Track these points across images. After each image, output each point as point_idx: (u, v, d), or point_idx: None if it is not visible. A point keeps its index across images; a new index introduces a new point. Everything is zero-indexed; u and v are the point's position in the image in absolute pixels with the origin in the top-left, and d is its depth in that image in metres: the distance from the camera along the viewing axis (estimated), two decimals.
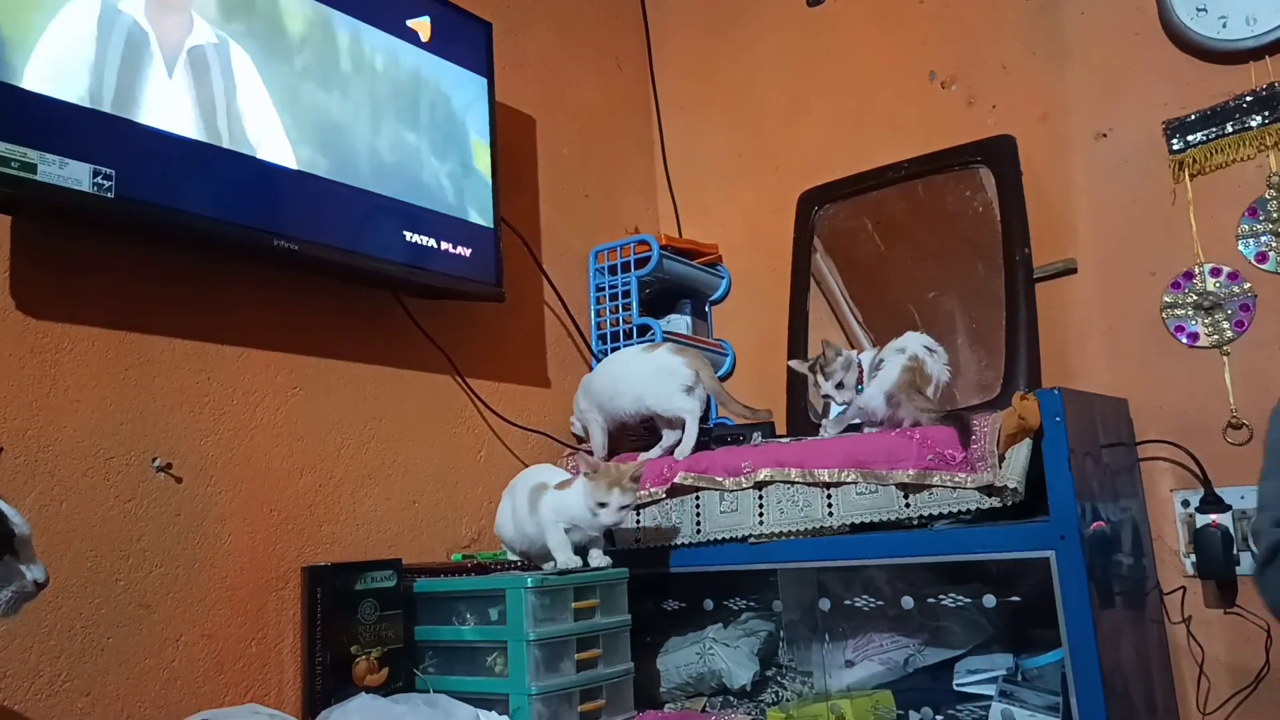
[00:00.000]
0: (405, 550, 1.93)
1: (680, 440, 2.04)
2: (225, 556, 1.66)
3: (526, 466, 2.23)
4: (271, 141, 1.69)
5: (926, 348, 1.91)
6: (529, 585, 1.66)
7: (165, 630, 1.56)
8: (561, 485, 1.78)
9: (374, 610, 1.72)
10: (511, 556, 1.92)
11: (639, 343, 2.35)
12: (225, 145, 1.62)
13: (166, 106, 1.54)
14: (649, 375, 2.06)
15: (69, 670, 1.43)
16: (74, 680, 1.43)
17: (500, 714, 1.63)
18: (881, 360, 1.95)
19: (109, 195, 1.44)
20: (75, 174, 1.41)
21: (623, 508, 1.71)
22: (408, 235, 1.90)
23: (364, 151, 1.85)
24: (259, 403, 1.76)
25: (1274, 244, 2.00)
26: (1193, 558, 1.99)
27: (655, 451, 2.07)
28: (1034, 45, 2.33)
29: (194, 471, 1.63)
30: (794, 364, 2.10)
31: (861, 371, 1.96)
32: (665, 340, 2.17)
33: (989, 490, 1.66)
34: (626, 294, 2.50)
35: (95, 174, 1.43)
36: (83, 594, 1.46)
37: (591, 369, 2.48)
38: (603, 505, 1.70)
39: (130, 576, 1.52)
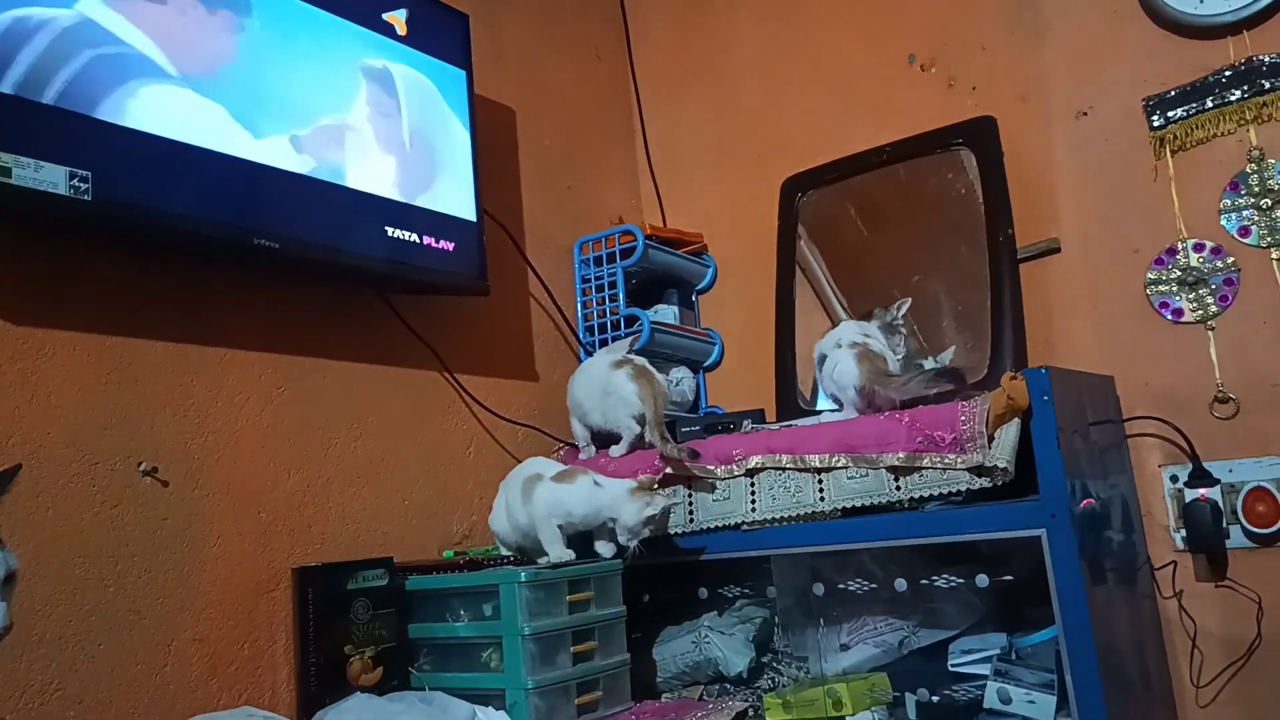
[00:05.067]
0: (396, 548, 1.92)
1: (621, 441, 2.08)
2: (215, 560, 1.64)
3: (517, 461, 2.24)
4: (253, 140, 1.67)
5: (863, 334, 1.96)
6: (522, 580, 1.66)
7: (156, 635, 1.54)
8: (560, 478, 1.78)
9: (367, 609, 1.71)
10: (505, 552, 1.92)
11: (613, 348, 2.28)
12: (204, 145, 1.60)
13: (145, 106, 1.52)
14: (604, 396, 2.07)
15: (60, 679, 1.42)
16: (65, 689, 1.42)
17: (497, 709, 1.62)
18: (824, 356, 1.98)
19: (86, 198, 1.42)
20: (51, 177, 1.39)
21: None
22: (389, 230, 1.89)
23: (343, 147, 1.83)
24: (244, 404, 1.74)
25: (1256, 218, 2.01)
26: (1182, 532, 2.00)
27: (622, 448, 2.07)
28: (1012, 25, 2.33)
29: (180, 475, 1.62)
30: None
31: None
32: (631, 358, 2.09)
33: (979, 471, 1.66)
34: (613, 285, 2.49)
35: (71, 176, 1.41)
36: (72, 601, 1.45)
37: (580, 360, 2.48)
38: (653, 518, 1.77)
39: (119, 582, 1.51)
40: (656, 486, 1.80)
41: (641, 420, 2.01)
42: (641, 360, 2.08)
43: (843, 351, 1.94)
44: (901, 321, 2.03)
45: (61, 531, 1.45)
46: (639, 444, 2.05)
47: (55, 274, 1.52)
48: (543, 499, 1.77)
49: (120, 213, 1.48)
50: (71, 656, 1.44)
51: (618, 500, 1.78)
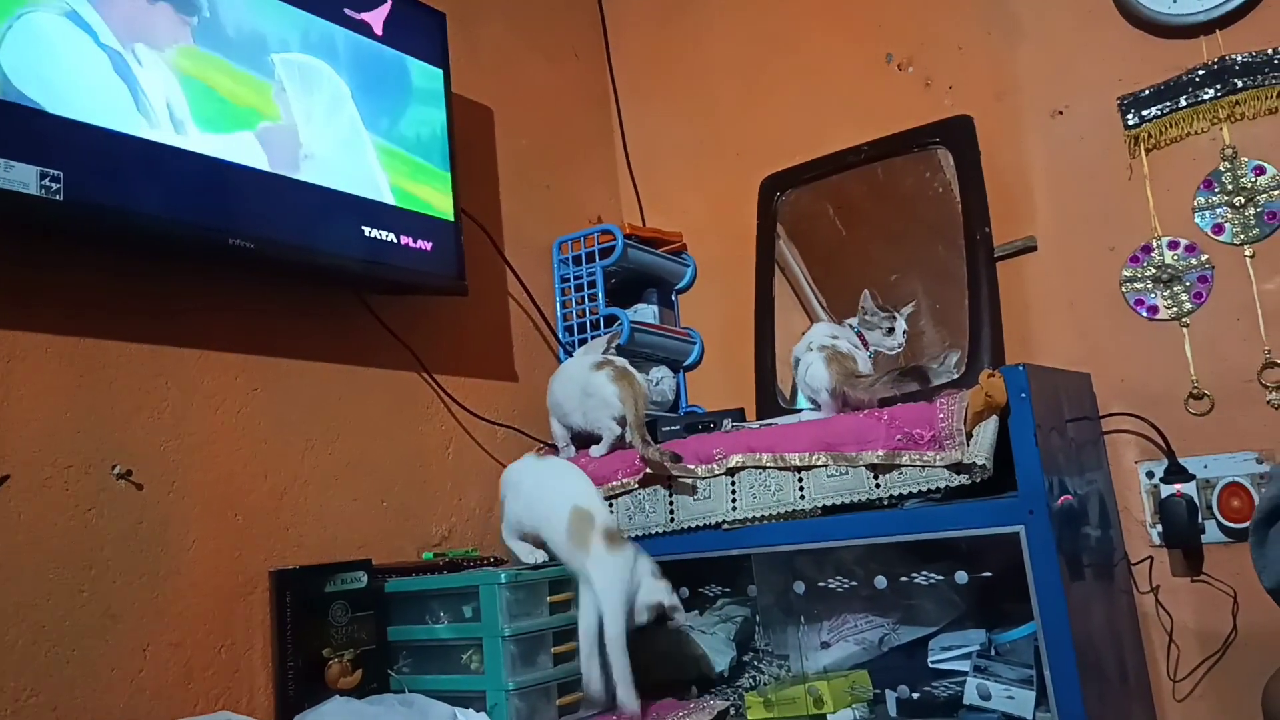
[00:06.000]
0: (375, 550, 1.91)
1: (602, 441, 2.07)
2: (191, 563, 1.63)
3: (496, 462, 2.23)
4: (227, 139, 1.66)
5: (831, 336, 1.97)
6: (502, 581, 1.65)
7: (132, 640, 1.52)
8: (612, 542, 1.74)
9: (345, 612, 1.70)
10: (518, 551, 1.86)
11: (591, 346, 2.26)
12: (175, 144, 1.58)
13: (111, 104, 1.50)
14: (584, 397, 2.06)
15: (33, 685, 1.40)
16: (39, 695, 1.40)
17: (478, 711, 1.61)
18: (799, 360, 2.00)
19: (58, 198, 1.41)
20: (21, 177, 1.37)
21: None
22: (366, 230, 1.88)
23: (319, 146, 1.82)
24: (220, 406, 1.73)
25: (1230, 215, 2.03)
26: (1159, 528, 2.02)
27: (602, 448, 2.07)
28: (988, 24, 2.35)
29: (155, 478, 1.60)
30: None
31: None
32: (611, 359, 2.09)
33: (958, 468, 1.67)
34: (592, 284, 2.48)
35: (43, 176, 1.39)
36: (45, 606, 1.43)
37: (560, 360, 2.47)
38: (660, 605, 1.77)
39: (94, 587, 1.49)
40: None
41: (622, 422, 2.00)
42: (622, 361, 2.08)
43: (813, 355, 1.95)
44: (880, 314, 2.04)
45: (34, 536, 1.43)
46: (619, 444, 2.05)
47: (26, 275, 1.50)
48: (610, 577, 1.71)
49: (93, 213, 1.46)
50: (45, 662, 1.42)
51: (642, 575, 1.77)
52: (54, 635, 1.43)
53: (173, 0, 1.61)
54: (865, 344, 2.02)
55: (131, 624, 1.53)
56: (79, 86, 1.47)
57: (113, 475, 1.54)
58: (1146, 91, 2.12)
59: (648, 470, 1.96)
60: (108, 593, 1.51)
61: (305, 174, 1.78)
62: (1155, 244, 2.10)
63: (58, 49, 1.45)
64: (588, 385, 2.05)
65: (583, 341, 2.44)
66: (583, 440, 2.14)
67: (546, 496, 1.82)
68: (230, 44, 1.69)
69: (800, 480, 1.83)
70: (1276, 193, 1.99)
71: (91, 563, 1.50)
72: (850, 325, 2.05)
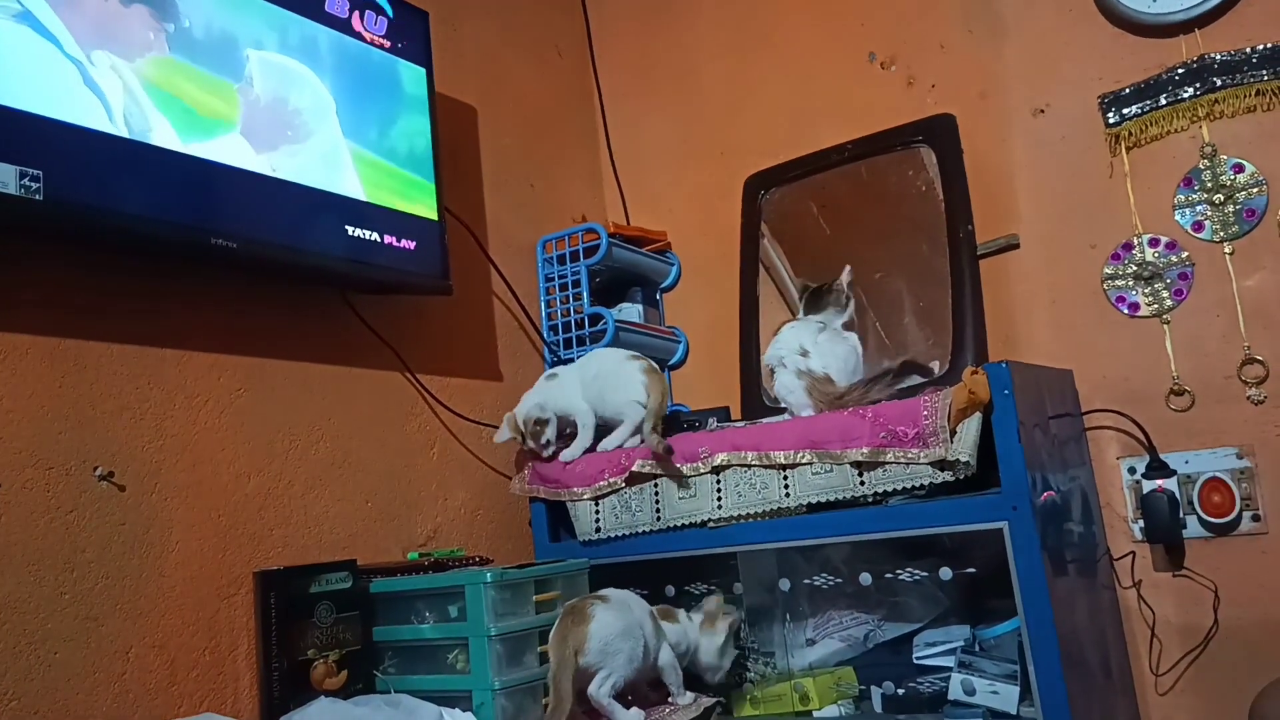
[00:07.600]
0: (360, 550, 1.90)
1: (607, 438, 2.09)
2: (173, 565, 1.62)
3: (482, 462, 2.23)
4: (214, 139, 1.65)
5: (800, 354, 1.93)
6: (488, 580, 1.65)
7: (114, 643, 1.51)
8: (667, 616, 1.82)
9: (330, 613, 1.70)
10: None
11: (615, 345, 2.30)
12: (158, 142, 1.57)
13: (88, 103, 1.49)
14: (612, 390, 2.07)
15: (14, 689, 1.39)
16: (21, 699, 1.39)
17: (464, 711, 1.61)
18: (772, 369, 1.98)
19: (37, 197, 1.39)
20: (1, 176, 1.36)
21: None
22: (350, 230, 1.87)
23: (302, 146, 1.81)
24: (202, 406, 1.72)
25: (1209, 213, 2.04)
26: (1141, 523, 2.03)
27: (577, 450, 2.08)
28: (970, 23, 2.36)
29: (137, 479, 1.59)
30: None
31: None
32: (643, 357, 2.11)
33: (941, 465, 1.68)
34: (577, 284, 2.48)
35: (22, 175, 1.38)
36: (26, 609, 1.42)
37: (545, 360, 2.47)
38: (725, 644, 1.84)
39: (75, 589, 1.48)
40: (722, 611, 1.87)
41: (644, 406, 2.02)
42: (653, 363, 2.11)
43: (788, 375, 1.93)
44: (842, 290, 2.04)
45: (15, 538, 1.42)
46: (634, 434, 2.05)
47: (5, 275, 1.48)
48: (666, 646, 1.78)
49: (73, 213, 1.45)
50: (27, 665, 1.40)
51: (696, 637, 1.83)
52: (36, 638, 1.42)
53: (150, 3, 1.59)
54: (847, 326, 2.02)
55: (114, 626, 1.52)
56: (51, 92, 1.45)
57: (95, 477, 1.53)
58: (1127, 90, 2.13)
59: (633, 470, 1.96)
60: (90, 595, 1.50)
61: (287, 173, 1.77)
62: (1136, 241, 2.11)
63: (22, 57, 1.43)
64: (620, 370, 2.07)
65: (568, 341, 2.45)
66: (569, 439, 2.13)
67: (644, 620, 1.77)
68: (204, 49, 1.67)
69: (785, 478, 1.84)
70: (1255, 190, 2.00)
71: (73, 565, 1.48)
72: (820, 323, 2.01)
